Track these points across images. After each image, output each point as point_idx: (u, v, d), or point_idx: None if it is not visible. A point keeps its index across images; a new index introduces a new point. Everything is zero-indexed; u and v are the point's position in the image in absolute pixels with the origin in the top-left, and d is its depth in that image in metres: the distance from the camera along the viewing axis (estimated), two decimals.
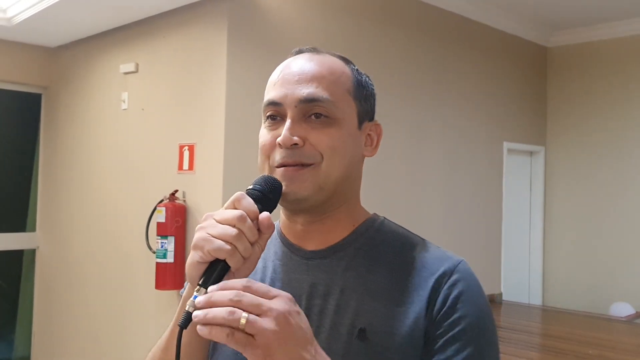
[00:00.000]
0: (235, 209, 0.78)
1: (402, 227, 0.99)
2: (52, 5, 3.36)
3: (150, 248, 3.38)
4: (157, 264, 3.22)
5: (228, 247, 0.75)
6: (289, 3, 3.43)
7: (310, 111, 0.89)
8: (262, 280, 0.95)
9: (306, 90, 0.89)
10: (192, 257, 0.77)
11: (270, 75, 0.98)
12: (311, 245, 0.94)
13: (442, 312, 0.85)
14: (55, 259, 4.35)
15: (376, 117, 1.00)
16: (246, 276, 0.79)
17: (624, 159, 5.08)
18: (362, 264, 0.91)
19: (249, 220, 0.77)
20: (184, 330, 0.79)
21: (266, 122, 0.93)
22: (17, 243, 4.52)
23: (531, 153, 5.45)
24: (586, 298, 5.09)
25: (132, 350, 3.58)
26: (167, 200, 3.30)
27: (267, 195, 0.84)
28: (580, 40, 5.32)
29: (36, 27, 3.83)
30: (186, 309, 0.74)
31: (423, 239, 0.97)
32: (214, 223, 0.77)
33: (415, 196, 4.19)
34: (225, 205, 0.80)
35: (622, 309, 4.77)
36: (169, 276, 3.21)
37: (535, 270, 5.44)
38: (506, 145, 4.99)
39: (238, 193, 0.80)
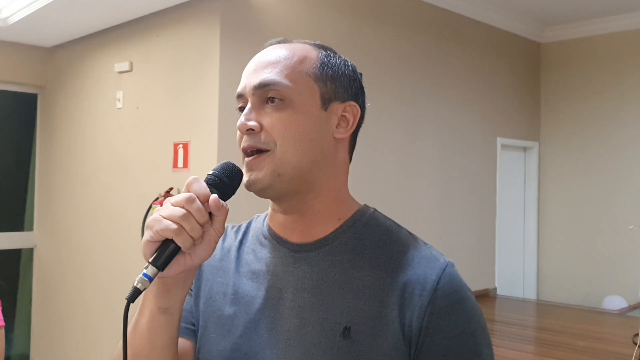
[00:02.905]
0: (188, 192, 0.81)
1: (391, 220, 0.99)
2: (47, 5, 3.39)
3: None
4: None
5: (174, 226, 0.77)
6: (281, 1, 3.46)
7: (266, 96, 0.90)
8: (250, 271, 0.96)
9: (260, 77, 0.90)
10: (144, 236, 0.80)
11: None
12: (295, 237, 0.95)
13: (433, 325, 0.85)
14: (52, 258, 4.38)
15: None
16: (204, 258, 0.83)
17: (617, 154, 5.11)
18: (347, 259, 0.91)
19: (197, 202, 0.79)
20: (143, 317, 0.85)
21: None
22: (15, 242, 4.55)
23: (525, 149, 5.49)
24: (580, 292, 5.13)
25: None
26: (163, 197, 3.33)
27: (223, 180, 0.86)
28: (573, 36, 5.35)
29: (31, 27, 3.86)
30: (134, 284, 0.78)
31: (411, 234, 0.96)
32: (167, 205, 0.80)
33: (410, 192, 4.23)
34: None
35: (615, 302, 4.82)
36: None
37: (529, 265, 5.47)
38: (500, 141, 5.03)
39: (191, 177, 0.82)
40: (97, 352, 3.90)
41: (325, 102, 0.92)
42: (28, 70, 4.38)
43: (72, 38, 4.17)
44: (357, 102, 0.96)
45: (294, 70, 0.91)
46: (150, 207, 3.40)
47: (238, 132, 0.93)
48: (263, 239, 0.99)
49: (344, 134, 0.94)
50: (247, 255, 0.99)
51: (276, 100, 0.89)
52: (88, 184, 4.08)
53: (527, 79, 5.43)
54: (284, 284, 0.92)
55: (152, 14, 3.55)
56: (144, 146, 3.65)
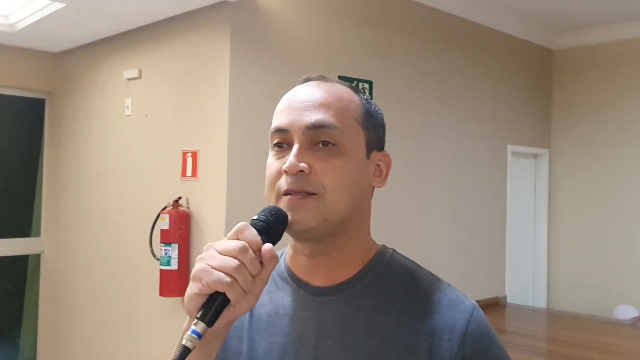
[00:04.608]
0: (238, 239, 0.75)
1: (411, 261, 0.96)
2: (55, 11, 3.37)
3: (154, 255, 3.38)
4: (161, 271, 3.23)
5: (228, 279, 0.72)
6: (292, 9, 3.43)
7: (318, 138, 0.86)
8: (266, 315, 0.92)
9: (314, 117, 0.86)
10: (191, 288, 0.74)
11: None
12: (318, 281, 0.91)
13: None
14: (60, 264, 4.36)
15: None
16: (247, 310, 0.77)
17: (628, 161, 5.06)
18: (371, 302, 0.88)
19: (250, 251, 0.74)
20: None
21: (273, 150, 0.90)
22: (22, 248, 4.53)
23: (535, 156, 5.44)
24: (591, 300, 5.08)
25: (137, 355, 3.59)
26: (171, 207, 3.30)
27: (271, 226, 0.81)
28: (585, 43, 5.29)
29: (39, 33, 3.84)
30: (183, 342, 0.72)
31: (432, 275, 0.94)
32: (214, 254, 0.74)
33: (421, 199, 4.19)
34: (228, 235, 0.77)
35: (627, 312, 4.76)
36: (173, 283, 3.21)
37: (539, 273, 5.42)
38: (510, 148, 4.98)
39: (241, 223, 0.77)
40: (103, 358, 3.88)
41: (369, 151, 0.91)
42: (36, 75, 4.36)
43: (80, 44, 4.14)
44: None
45: (346, 115, 0.88)
46: (158, 215, 3.37)
47: (274, 169, 0.88)
48: (280, 281, 0.94)
49: (380, 183, 0.94)
50: (262, 297, 0.94)
51: (329, 144, 0.86)
52: (96, 191, 4.06)
53: (538, 85, 5.38)
54: (304, 330, 0.88)
55: (161, 22, 3.52)
56: (152, 154, 3.62)
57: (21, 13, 3.64)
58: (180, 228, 3.23)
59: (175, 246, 3.21)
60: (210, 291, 0.74)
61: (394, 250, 0.97)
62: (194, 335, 0.72)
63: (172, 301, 3.34)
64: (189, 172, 3.34)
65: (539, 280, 5.42)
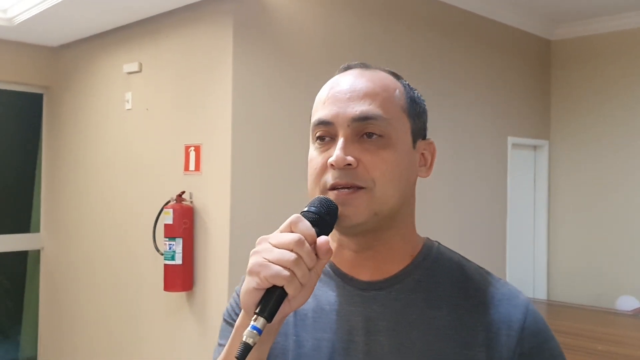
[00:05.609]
0: (292, 232, 0.74)
1: (457, 254, 0.95)
2: (54, 5, 3.32)
3: (157, 250, 3.36)
4: (166, 265, 3.21)
5: (286, 273, 0.71)
6: (294, 2, 3.40)
7: (364, 130, 0.83)
8: (313, 311, 0.90)
9: (359, 108, 0.83)
10: (249, 283, 0.73)
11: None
12: (365, 275, 0.89)
13: None
14: (60, 260, 4.33)
15: None
16: (302, 304, 0.76)
17: (628, 151, 5.07)
18: (422, 298, 0.86)
19: (307, 244, 0.73)
20: None
21: (316, 143, 0.87)
22: (22, 244, 4.50)
23: (535, 147, 5.44)
24: (592, 292, 5.09)
25: (140, 352, 3.57)
26: (174, 201, 3.27)
27: (323, 217, 0.79)
28: (584, 33, 5.29)
29: (38, 26, 3.79)
30: (243, 339, 0.70)
31: (481, 268, 0.93)
32: (270, 247, 0.73)
33: (421, 191, 4.15)
34: (281, 228, 0.75)
35: (628, 303, 4.78)
36: (178, 278, 3.19)
37: (539, 265, 5.44)
38: (510, 140, 4.98)
39: (294, 215, 0.75)
40: (106, 356, 3.86)
41: (415, 140, 0.89)
42: (34, 70, 4.31)
43: (79, 38, 4.10)
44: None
45: (392, 104, 0.86)
46: (161, 210, 3.35)
47: (317, 164, 0.85)
48: (323, 276, 0.91)
49: (426, 172, 0.92)
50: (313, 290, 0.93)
51: (376, 136, 0.84)
52: (96, 186, 4.02)
53: (538, 76, 5.37)
54: (353, 326, 0.86)
55: (162, 14, 3.49)
56: (154, 148, 3.59)
57: (19, 7, 3.60)
58: (184, 222, 3.20)
59: (180, 241, 3.19)
60: (269, 285, 0.72)
61: (439, 243, 0.95)
62: (254, 331, 0.70)
63: (177, 296, 3.32)
64: (192, 166, 3.31)
65: (539, 272, 5.43)
